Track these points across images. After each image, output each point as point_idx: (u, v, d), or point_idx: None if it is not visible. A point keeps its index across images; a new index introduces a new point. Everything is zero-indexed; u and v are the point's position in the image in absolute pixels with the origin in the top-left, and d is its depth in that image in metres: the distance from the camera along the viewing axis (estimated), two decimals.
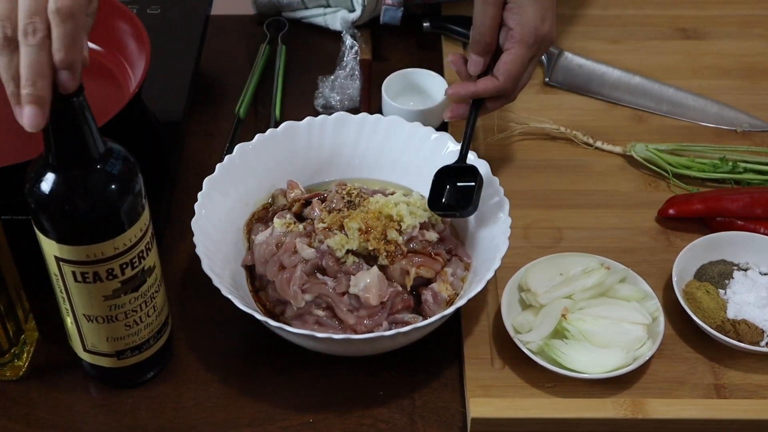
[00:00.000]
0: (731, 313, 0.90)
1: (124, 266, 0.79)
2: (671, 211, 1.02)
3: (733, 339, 0.88)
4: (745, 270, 0.94)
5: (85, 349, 0.86)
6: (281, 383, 0.91)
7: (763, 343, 0.89)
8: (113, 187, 0.75)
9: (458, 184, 0.95)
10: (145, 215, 0.80)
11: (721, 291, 0.92)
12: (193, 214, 0.92)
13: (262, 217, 0.98)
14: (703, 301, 0.91)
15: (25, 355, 0.91)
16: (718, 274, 0.94)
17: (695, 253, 0.95)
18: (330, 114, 1.03)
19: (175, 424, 0.88)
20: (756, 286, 0.92)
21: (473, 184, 0.93)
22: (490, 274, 0.87)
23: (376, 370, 0.91)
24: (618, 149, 1.11)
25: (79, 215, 0.75)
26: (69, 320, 0.84)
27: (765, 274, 0.94)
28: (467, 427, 0.86)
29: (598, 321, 0.87)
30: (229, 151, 1.10)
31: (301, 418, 0.88)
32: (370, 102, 1.18)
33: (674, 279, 0.93)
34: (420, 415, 0.88)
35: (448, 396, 0.90)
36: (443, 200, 0.95)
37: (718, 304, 0.91)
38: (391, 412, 0.88)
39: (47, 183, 0.74)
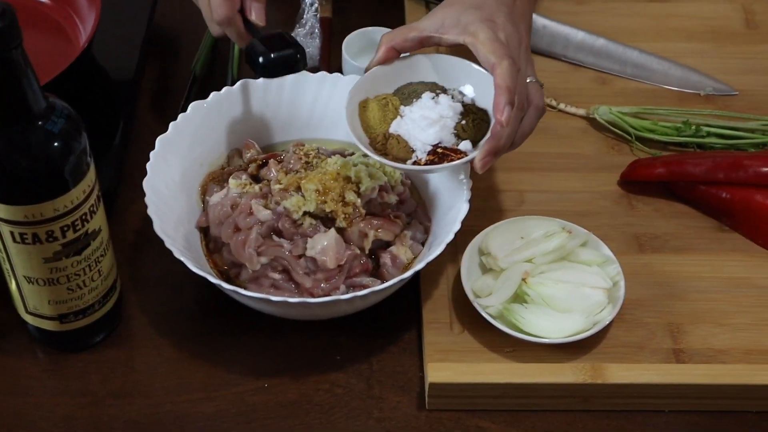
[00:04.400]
0: (392, 128, 0.87)
1: (65, 228, 0.76)
2: (633, 175, 1.01)
3: (379, 152, 0.86)
4: (443, 93, 0.89)
5: (27, 311, 0.84)
6: (236, 347, 0.89)
7: (409, 162, 0.86)
8: (53, 145, 0.72)
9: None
10: (90, 176, 0.77)
11: (403, 107, 0.89)
12: (146, 174, 0.89)
13: (218, 177, 0.96)
14: (374, 111, 0.88)
15: None
16: (410, 92, 0.90)
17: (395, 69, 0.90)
18: None
19: (126, 389, 0.86)
20: (435, 107, 0.87)
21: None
22: (449, 238, 0.85)
23: (333, 334, 0.89)
24: (581, 112, 1.09)
25: (15, 174, 0.72)
26: (11, 281, 0.82)
27: (459, 102, 0.89)
28: (425, 392, 0.84)
29: (558, 285, 0.86)
30: (184, 109, 1.06)
31: (256, 383, 0.86)
32: (330, 61, 1.15)
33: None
34: (377, 380, 0.87)
35: (407, 361, 0.88)
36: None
37: (386, 118, 0.88)
38: (348, 376, 0.87)
39: None
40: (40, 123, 0.72)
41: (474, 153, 0.84)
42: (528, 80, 0.88)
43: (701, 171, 0.98)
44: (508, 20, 0.88)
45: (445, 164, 0.85)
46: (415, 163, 0.86)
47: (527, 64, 0.89)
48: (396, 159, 0.86)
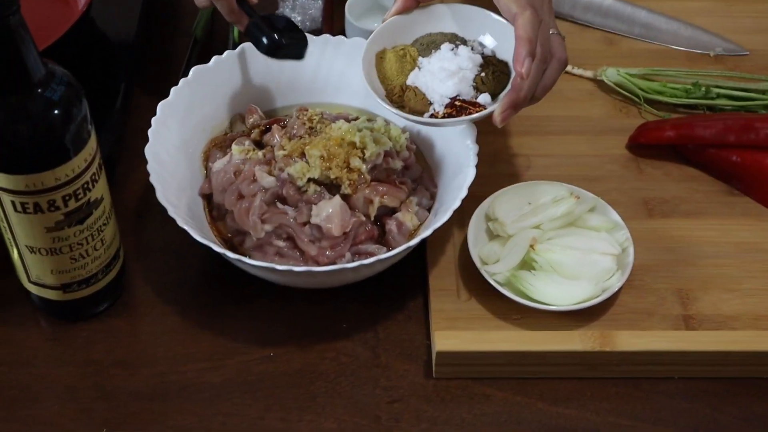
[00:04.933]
0: (410, 80, 0.86)
1: (67, 198, 0.75)
2: (642, 138, 0.99)
3: (396, 104, 0.85)
4: (462, 44, 0.87)
5: (30, 281, 0.83)
6: (240, 316, 0.88)
7: (426, 115, 0.84)
8: (53, 113, 0.71)
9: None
10: (91, 144, 0.75)
11: (421, 58, 0.87)
12: (147, 140, 0.88)
13: (220, 143, 0.94)
14: (391, 62, 0.87)
15: None
16: (429, 43, 0.88)
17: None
18: None
19: (130, 358, 0.85)
20: (454, 59, 0.85)
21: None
22: (456, 204, 0.84)
23: (338, 302, 0.89)
24: (589, 74, 1.07)
25: (15, 143, 0.71)
26: (12, 250, 0.81)
27: (479, 53, 0.87)
28: (432, 360, 0.84)
29: (566, 252, 0.85)
30: (185, 74, 1.05)
31: (262, 352, 0.85)
32: (333, 23, 1.13)
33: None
34: (384, 348, 0.86)
35: (413, 328, 0.87)
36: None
37: (403, 70, 0.87)
38: (354, 345, 0.86)
39: None
40: (39, 91, 0.70)
41: (493, 106, 0.82)
42: (551, 32, 0.85)
43: (711, 134, 0.96)
44: None
45: (463, 117, 0.83)
46: (432, 116, 0.84)
47: (550, 16, 0.87)
48: (413, 111, 0.85)
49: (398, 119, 0.89)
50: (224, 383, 0.83)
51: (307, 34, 0.97)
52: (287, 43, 0.90)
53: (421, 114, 0.85)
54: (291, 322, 0.88)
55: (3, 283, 0.88)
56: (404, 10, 0.88)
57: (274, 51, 0.90)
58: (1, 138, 0.71)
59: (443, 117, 0.84)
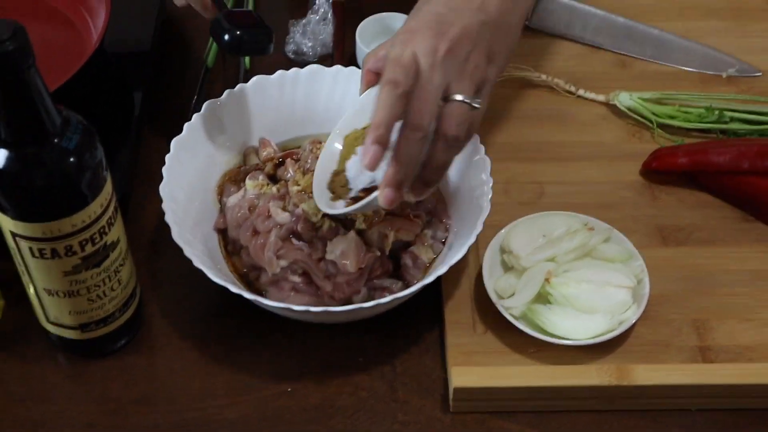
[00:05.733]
0: (347, 164, 0.82)
1: (84, 243, 0.75)
2: (655, 164, 0.99)
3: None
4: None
5: (48, 321, 0.83)
6: (257, 350, 0.88)
7: (341, 202, 0.81)
8: (69, 162, 0.71)
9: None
10: (107, 189, 0.76)
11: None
12: (161, 167, 0.88)
13: (234, 177, 0.94)
14: (345, 147, 0.82)
15: None
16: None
17: None
18: (301, 61, 0.97)
19: (148, 395, 0.85)
20: None
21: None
22: (471, 240, 0.84)
23: (354, 335, 0.89)
24: (601, 98, 1.07)
25: (32, 193, 0.71)
26: (30, 291, 0.81)
27: None
28: (449, 394, 0.84)
29: (581, 285, 0.85)
30: (198, 101, 1.05)
31: (279, 387, 0.86)
32: (343, 48, 1.13)
33: None
34: (401, 383, 0.86)
35: (429, 362, 0.87)
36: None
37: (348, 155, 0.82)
38: (371, 379, 0.86)
39: (0, 159, 0.70)
40: (56, 141, 0.70)
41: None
42: (457, 98, 0.74)
43: (725, 160, 0.96)
44: (436, 18, 0.75)
45: (350, 208, 0.79)
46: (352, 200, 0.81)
47: (459, 75, 0.74)
48: (336, 196, 0.82)
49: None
50: (243, 419, 0.84)
51: (319, 66, 0.97)
52: (248, 38, 0.88)
53: (341, 197, 0.81)
54: (307, 355, 0.88)
55: (20, 318, 0.88)
56: (368, 86, 0.81)
57: (236, 48, 0.89)
58: (18, 188, 0.71)
59: (348, 204, 0.80)
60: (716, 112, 1.03)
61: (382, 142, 0.71)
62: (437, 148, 0.75)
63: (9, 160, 0.70)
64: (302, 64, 1.00)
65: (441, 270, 0.82)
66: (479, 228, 0.84)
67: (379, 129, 0.71)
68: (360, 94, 0.82)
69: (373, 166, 0.71)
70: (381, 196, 0.74)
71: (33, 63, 0.66)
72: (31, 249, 0.75)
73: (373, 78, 0.80)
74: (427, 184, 0.77)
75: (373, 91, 0.79)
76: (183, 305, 0.91)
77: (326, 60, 1.13)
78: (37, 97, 0.68)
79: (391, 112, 0.71)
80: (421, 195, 0.78)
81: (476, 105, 0.75)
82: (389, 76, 0.72)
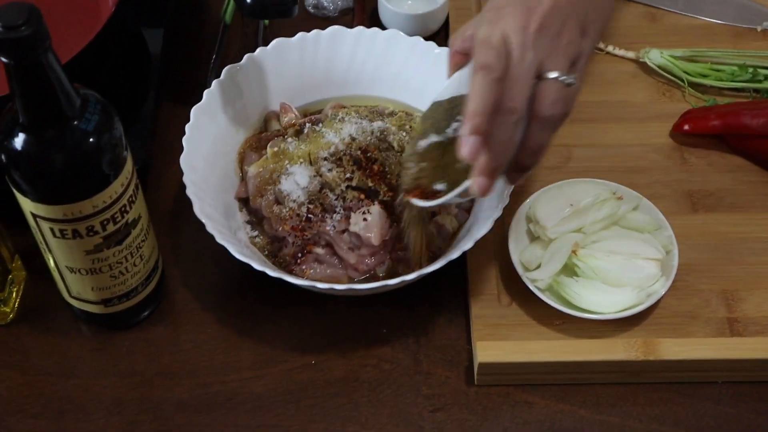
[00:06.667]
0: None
1: (105, 222, 0.74)
2: (686, 127, 0.96)
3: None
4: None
5: (70, 296, 0.83)
6: (281, 322, 0.88)
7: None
8: (89, 143, 0.70)
9: None
10: (127, 168, 0.74)
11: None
12: (180, 132, 0.87)
13: (255, 144, 0.93)
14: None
15: (14, 296, 0.88)
16: (437, 120, 0.78)
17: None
18: (322, 15, 0.93)
19: (173, 368, 0.85)
20: None
21: None
22: (497, 214, 0.82)
23: (378, 307, 0.88)
24: (631, 54, 1.04)
25: (54, 176, 0.70)
26: (52, 265, 0.81)
27: None
28: (474, 367, 0.83)
29: (609, 257, 0.84)
30: (216, 61, 1.03)
31: (303, 359, 0.86)
32: (365, 4, 1.10)
33: None
34: (425, 354, 0.86)
35: (453, 333, 0.87)
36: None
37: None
38: (395, 351, 0.86)
39: (19, 142, 0.69)
40: (74, 123, 0.69)
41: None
42: (551, 76, 0.69)
43: (759, 123, 0.93)
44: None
45: (442, 199, 0.75)
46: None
47: (552, 52, 0.69)
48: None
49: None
50: (267, 393, 0.84)
51: (341, 27, 0.94)
52: (272, 1, 0.84)
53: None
54: (331, 327, 0.88)
55: (43, 290, 0.88)
56: (455, 68, 0.76)
57: (258, 12, 0.85)
58: (38, 172, 0.70)
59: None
60: (750, 71, 0.99)
61: (481, 132, 0.67)
62: (532, 130, 0.70)
63: (28, 143, 0.69)
64: (322, 20, 0.97)
65: (467, 245, 0.81)
66: (506, 200, 0.83)
67: (475, 118, 0.66)
68: (448, 77, 0.77)
69: (474, 158, 0.67)
70: (475, 185, 0.69)
71: (50, 46, 0.64)
72: (52, 230, 0.74)
73: (461, 59, 0.75)
74: (523, 169, 0.73)
75: (461, 73, 0.75)
76: (205, 276, 0.91)
77: (347, 14, 1.10)
78: (55, 80, 0.66)
79: (487, 99, 0.67)
80: (516, 181, 0.75)
81: (571, 81, 0.70)
82: (481, 60, 0.68)
